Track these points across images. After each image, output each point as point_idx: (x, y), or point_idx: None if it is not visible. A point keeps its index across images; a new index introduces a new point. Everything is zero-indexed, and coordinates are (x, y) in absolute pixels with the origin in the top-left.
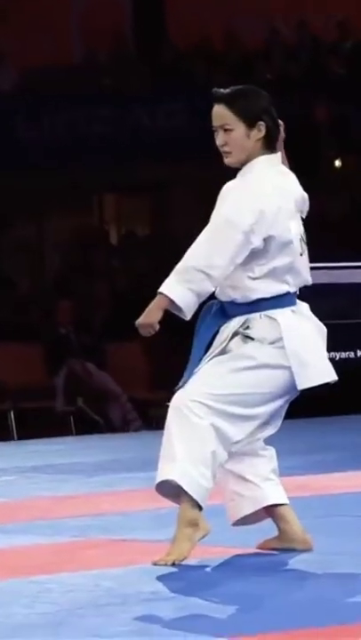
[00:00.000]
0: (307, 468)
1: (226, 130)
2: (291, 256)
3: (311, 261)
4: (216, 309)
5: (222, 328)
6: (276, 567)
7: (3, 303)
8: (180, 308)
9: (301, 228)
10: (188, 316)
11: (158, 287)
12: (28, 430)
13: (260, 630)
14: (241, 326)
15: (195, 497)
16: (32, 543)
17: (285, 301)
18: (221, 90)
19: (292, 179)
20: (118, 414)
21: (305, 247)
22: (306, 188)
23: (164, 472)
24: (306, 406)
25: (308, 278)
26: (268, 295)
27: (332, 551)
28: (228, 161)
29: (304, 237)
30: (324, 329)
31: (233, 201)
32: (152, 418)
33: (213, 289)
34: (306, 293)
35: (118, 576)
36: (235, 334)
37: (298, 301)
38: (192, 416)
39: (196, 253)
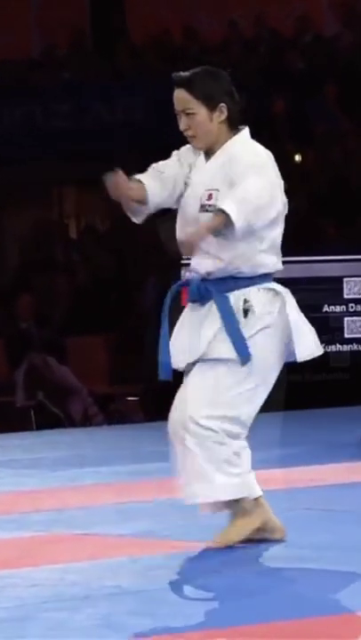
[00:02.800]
0: (275, 461)
1: (188, 114)
2: (282, 227)
3: None
4: (211, 283)
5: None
6: (241, 561)
7: None
8: (233, 229)
9: None
10: (237, 235)
11: (119, 281)
12: None
13: (227, 624)
14: (241, 299)
15: (240, 496)
16: None
17: (272, 277)
18: (181, 73)
19: None
20: (79, 409)
21: None
22: None
23: (201, 492)
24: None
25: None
26: (270, 270)
27: (299, 544)
28: (195, 145)
29: None
30: None
31: (271, 173)
32: (113, 412)
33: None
34: None
35: (82, 570)
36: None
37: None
38: (206, 431)
39: (256, 201)
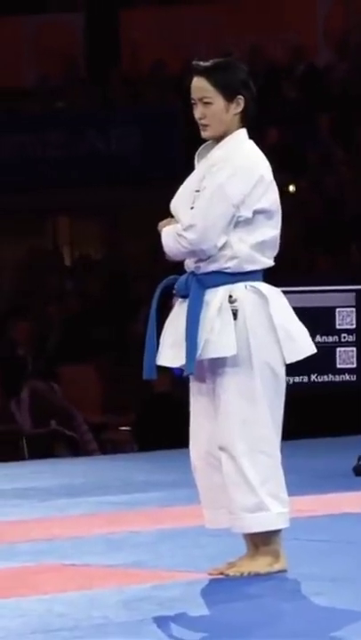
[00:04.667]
0: None
1: (205, 103)
2: (277, 228)
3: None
4: (194, 280)
5: (205, 306)
6: (231, 593)
7: None
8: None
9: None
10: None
11: (109, 310)
12: None
13: None
14: (226, 299)
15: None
16: None
17: (263, 276)
18: (201, 62)
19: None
20: (77, 436)
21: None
22: None
23: (255, 523)
24: None
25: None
26: (258, 267)
27: (288, 575)
28: (205, 134)
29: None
30: None
31: (228, 172)
32: (105, 441)
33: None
34: None
35: (70, 601)
36: (219, 310)
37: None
38: (245, 459)
39: (193, 227)
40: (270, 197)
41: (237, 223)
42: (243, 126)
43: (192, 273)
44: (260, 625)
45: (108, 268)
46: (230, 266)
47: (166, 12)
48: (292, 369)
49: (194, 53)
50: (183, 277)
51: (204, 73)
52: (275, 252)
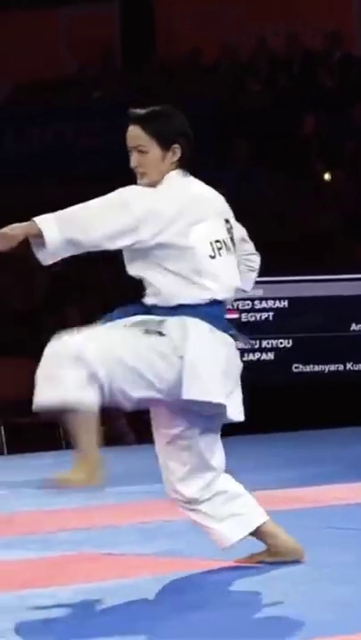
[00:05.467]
0: (301, 480)
1: (140, 151)
2: (193, 261)
3: (298, 274)
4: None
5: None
6: (263, 581)
7: None
8: (43, 244)
9: (223, 231)
10: (46, 260)
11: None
12: (19, 445)
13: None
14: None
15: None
16: (22, 558)
17: (207, 312)
18: (137, 110)
19: (208, 187)
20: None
21: (227, 250)
22: (295, 202)
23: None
24: (300, 419)
25: (233, 283)
26: (189, 301)
27: (323, 563)
28: (142, 182)
29: (227, 241)
30: (240, 365)
31: (135, 190)
32: (141, 431)
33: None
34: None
35: (108, 590)
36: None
37: (225, 334)
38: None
39: (83, 214)
40: (177, 230)
41: (155, 254)
42: (183, 176)
43: (141, 304)
44: (294, 612)
45: None
46: (159, 302)
47: None
48: (327, 357)
49: (230, 40)
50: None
51: (139, 122)
52: (218, 280)
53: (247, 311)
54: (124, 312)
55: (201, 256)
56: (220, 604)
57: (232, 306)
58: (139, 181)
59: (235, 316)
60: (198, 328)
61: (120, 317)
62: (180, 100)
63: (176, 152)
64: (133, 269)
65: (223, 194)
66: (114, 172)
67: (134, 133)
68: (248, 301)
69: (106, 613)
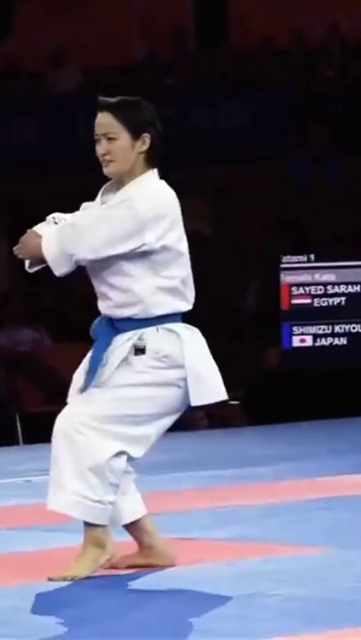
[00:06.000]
0: None
1: (109, 138)
2: (185, 268)
3: None
4: (106, 322)
5: (114, 342)
6: (334, 564)
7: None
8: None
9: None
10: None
11: (218, 286)
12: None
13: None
14: (135, 337)
15: (92, 521)
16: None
17: (180, 318)
18: (107, 98)
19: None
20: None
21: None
22: None
23: (54, 502)
24: None
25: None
26: (170, 311)
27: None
28: (108, 170)
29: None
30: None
31: (139, 197)
32: (214, 416)
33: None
34: None
35: (181, 575)
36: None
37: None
38: (77, 435)
39: (86, 223)
40: (177, 235)
41: (144, 262)
42: (151, 167)
43: (106, 317)
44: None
45: (218, 244)
46: (139, 312)
47: None
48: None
49: (302, 26)
50: (95, 323)
51: (110, 109)
52: (192, 292)
53: (320, 296)
54: (97, 348)
55: (187, 264)
56: (298, 591)
57: (304, 291)
58: (105, 170)
59: (307, 300)
60: (182, 329)
61: (98, 356)
62: (254, 85)
63: (145, 141)
64: (110, 278)
65: (299, 178)
66: (183, 159)
67: (105, 121)
68: (321, 286)
69: (179, 598)
